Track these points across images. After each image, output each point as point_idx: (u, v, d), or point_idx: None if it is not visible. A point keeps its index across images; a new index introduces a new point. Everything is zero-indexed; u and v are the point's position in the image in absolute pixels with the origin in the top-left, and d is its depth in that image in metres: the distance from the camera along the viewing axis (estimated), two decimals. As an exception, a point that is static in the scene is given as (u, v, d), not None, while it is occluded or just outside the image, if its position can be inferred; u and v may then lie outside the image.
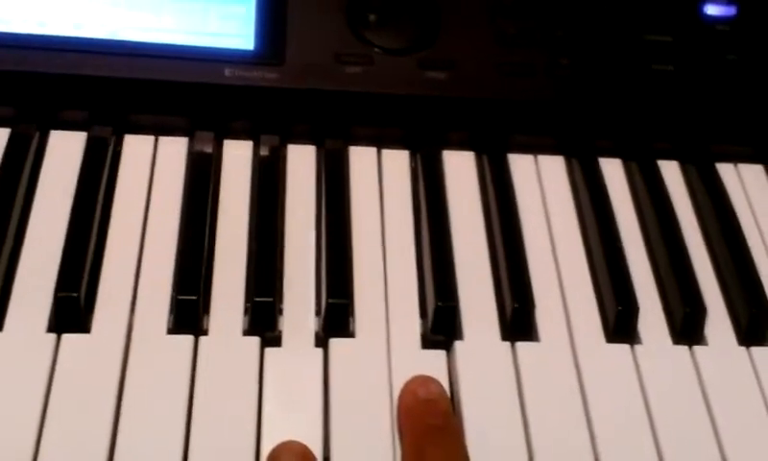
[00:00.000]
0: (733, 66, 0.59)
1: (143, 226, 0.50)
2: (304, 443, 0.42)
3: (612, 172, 0.57)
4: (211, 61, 0.53)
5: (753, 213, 0.57)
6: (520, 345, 0.48)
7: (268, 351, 0.46)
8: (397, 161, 0.56)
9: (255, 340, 0.46)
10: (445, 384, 0.46)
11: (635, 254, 0.53)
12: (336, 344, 0.47)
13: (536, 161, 0.57)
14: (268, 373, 0.45)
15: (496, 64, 0.56)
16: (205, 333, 0.46)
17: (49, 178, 0.51)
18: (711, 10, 0.61)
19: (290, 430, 0.43)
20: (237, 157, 0.54)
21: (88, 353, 0.44)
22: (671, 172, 0.58)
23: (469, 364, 0.47)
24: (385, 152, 0.56)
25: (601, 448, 0.45)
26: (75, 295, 0.45)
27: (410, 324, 0.48)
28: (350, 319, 0.48)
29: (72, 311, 0.45)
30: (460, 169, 0.56)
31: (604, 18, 0.59)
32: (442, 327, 0.48)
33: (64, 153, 0.52)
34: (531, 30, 0.58)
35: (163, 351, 0.45)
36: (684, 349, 0.49)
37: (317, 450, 0.42)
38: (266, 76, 0.54)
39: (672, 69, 0.58)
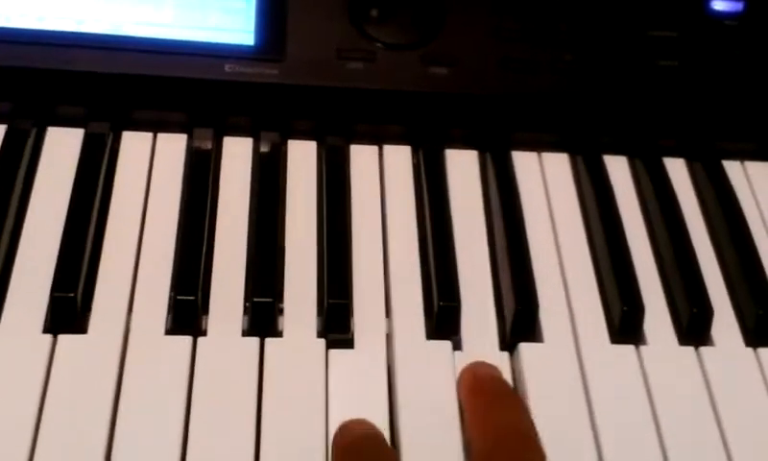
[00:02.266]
0: (741, 62, 0.58)
1: (141, 224, 0.49)
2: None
3: (618, 169, 0.56)
4: (211, 57, 0.53)
5: (760, 211, 0.56)
6: (524, 345, 0.47)
7: (268, 351, 0.45)
8: (400, 158, 0.55)
9: (255, 341, 0.45)
10: (450, 383, 0.45)
11: (640, 253, 0.52)
12: (335, 343, 0.46)
13: (539, 158, 0.56)
14: (268, 373, 0.44)
15: (500, 60, 0.56)
16: (204, 334, 0.46)
17: (46, 175, 0.51)
18: (718, 5, 0.60)
19: (289, 430, 0.43)
20: (237, 154, 0.53)
21: (85, 354, 0.44)
22: (677, 169, 0.57)
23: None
24: (387, 148, 0.55)
25: (606, 449, 0.44)
26: (71, 295, 0.45)
27: (413, 323, 0.48)
28: (351, 319, 0.47)
29: (68, 312, 0.45)
30: (463, 166, 0.55)
31: (608, 13, 0.58)
32: (444, 326, 0.47)
33: (61, 149, 0.52)
34: (534, 25, 0.57)
35: (161, 352, 0.44)
36: (690, 350, 0.49)
37: (319, 447, 0.42)
38: (266, 72, 0.53)
39: (677, 65, 0.57)
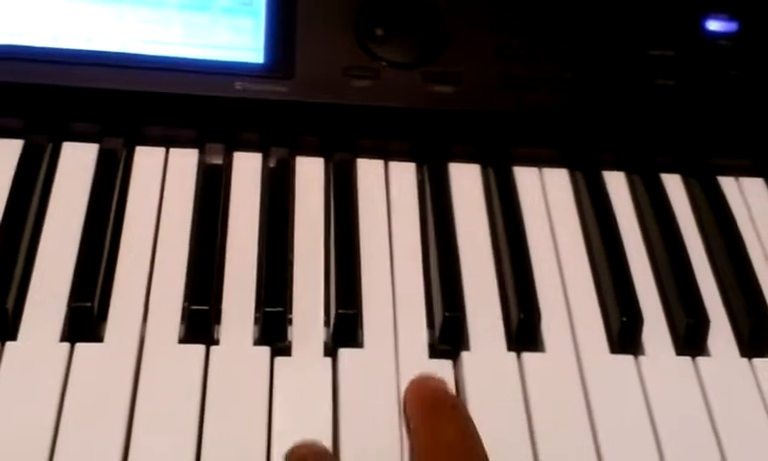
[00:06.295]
0: (735, 81, 0.60)
1: (155, 236, 0.51)
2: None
3: (616, 184, 0.58)
4: (222, 75, 0.54)
5: (753, 225, 0.57)
6: (526, 355, 0.49)
7: (278, 360, 0.47)
8: (404, 173, 0.56)
9: (266, 350, 0.47)
10: (455, 389, 0.47)
11: (638, 266, 0.54)
12: (345, 354, 0.47)
13: (540, 174, 0.58)
14: (278, 382, 0.46)
15: (501, 78, 0.57)
16: (216, 343, 0.47)
17: (62, 188, 0.52)
18: (713, 25, 0.62)
19: (299, 439, 0.44)
20: (247, 169, 0.55)
21: (101, 363, 0.45)
22: (673, 185, 0.58)
23: (476, 374, 0.47)
24: (392, 164, 0.57)
25: (606, 458, 0.46)
26: (88, 305, 0.46)
27: (417, 334, 0.49)
28: (359, 329, 0.48)
29: (85, 321, 0.46)
30: (466, 181, 0.57)
31: (607, 33, 0.60)
32: (449, 337, 0.49)
33: (76, 164, 0.53)
34: (535, 44, 0.59)
35: (175, 361, 0.46)
36: (686, 360, 0.50)
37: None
38: (276, 89, 0.54)
39: (674, 83, 0.59)
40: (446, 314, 0.49)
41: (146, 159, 0.54)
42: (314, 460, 0.42)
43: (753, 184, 0.60)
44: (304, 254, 0.51)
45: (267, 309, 0.47)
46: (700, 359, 0.50)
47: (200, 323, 0.47)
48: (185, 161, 0.54)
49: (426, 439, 0.42)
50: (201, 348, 0.46)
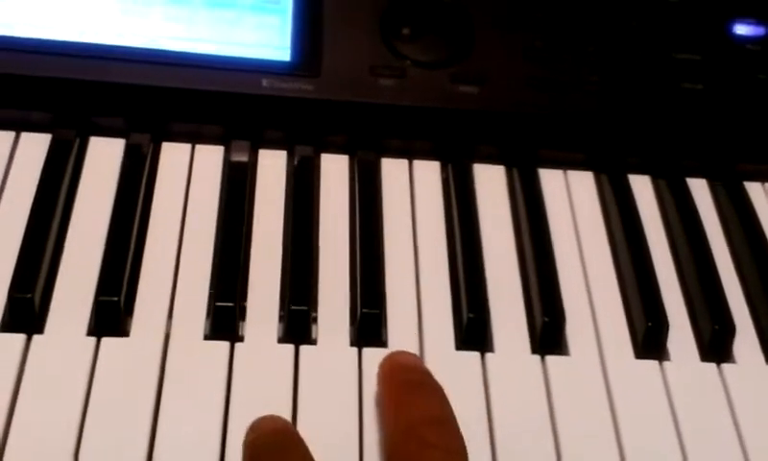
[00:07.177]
0: (763, 86, 0.59)
1: (180, 232, 0.51)
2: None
3: (641, 188, 0.58)
4: (248, 72, 0.54)
5: (780, 232, 0.57)
6: (550, 358, 0.48)
7: (303, 358, 0.47)
8: (429, 173, 0.56)
9: (290, 347, 0.47)
10: (479, 391, 0.46)
11: (663, 271, 0.53)
12: (370, 353, 0.47)
13: (565, 176, 0.58)
14: (302, 380, 0.46)
15: (527, 80, 0.57)
16: (241, 340, 0.47)
17: (89, 183, 0.52)
18: (741, 29, 0.61)
19: (324, 437, 0.44)
20: (272, 166, 0.55)
21: (127, 357, 0.45)
22: (700, 189, 0.58)
23: (500, 376, 0.47)
24: (416, 163, 0.57)
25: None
26: (115, 299, 0.46)
27: (442, 334, 0.49)
28: (383, 328, 0.48)
29: (112, 315, 0.46)
30: (490, 182, 0.56)
31: (634, 36, 0.60)
32: (473, 338, 0.49)
33: (104, 158, 0.53)
34: (562, 46, 0.59)
35: (200, 357, 0.46)
36: (711, 366, 0.50)
37: (352, 454, 0.43)
38: (302, 87, 0.54)
39: (701, 88, 0.58)
40: (471, 315, 0.48)
41: (172, 155, 0.54)
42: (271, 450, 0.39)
43: (779, 190, 0.59)
44: (329, 253, 0.51)
45: (292, 307, 0.47)
46: (725, 366, 0.50)
47: (225, 319, 0.47)
48: (211, 158, 0.54)
49: (398, 417, 0.41)
50: (225, 344, 0.46)
